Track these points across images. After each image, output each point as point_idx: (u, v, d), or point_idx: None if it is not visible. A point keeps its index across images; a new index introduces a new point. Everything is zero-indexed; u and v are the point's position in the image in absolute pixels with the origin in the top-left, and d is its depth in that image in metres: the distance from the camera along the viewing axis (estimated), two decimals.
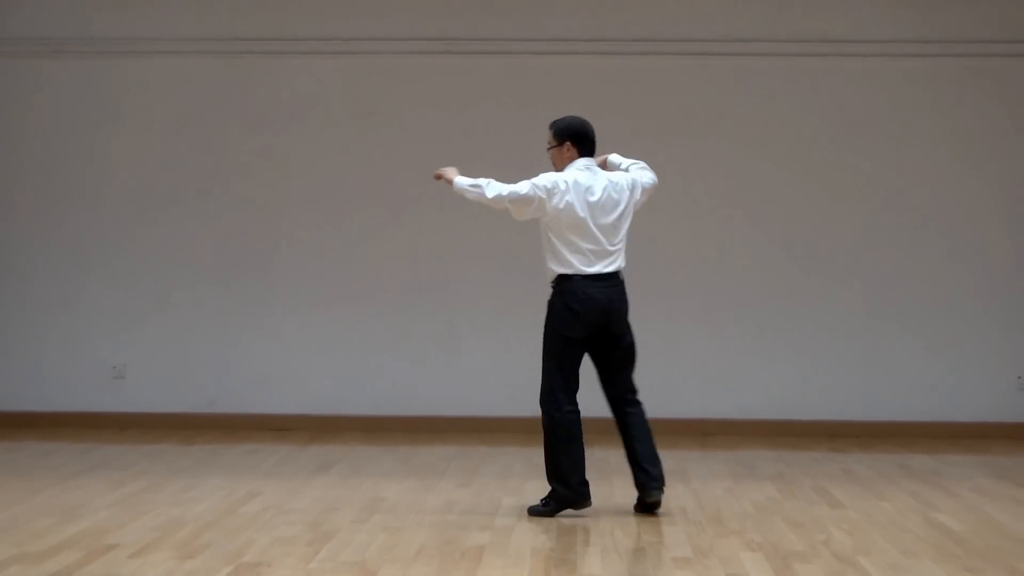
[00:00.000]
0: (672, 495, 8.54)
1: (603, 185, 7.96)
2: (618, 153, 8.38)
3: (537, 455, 9.74)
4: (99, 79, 12.13)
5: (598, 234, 7.89)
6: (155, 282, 12.07)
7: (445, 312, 11.97)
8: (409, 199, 11.96)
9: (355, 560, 6.64)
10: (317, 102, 12.09)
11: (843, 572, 6.45)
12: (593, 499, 8.02)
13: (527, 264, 11.67)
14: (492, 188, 7.94)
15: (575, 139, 8.07)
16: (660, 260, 11.56)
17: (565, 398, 7.93)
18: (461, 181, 8.04)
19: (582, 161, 8.04)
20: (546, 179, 7.93)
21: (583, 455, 7.97)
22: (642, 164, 8.29)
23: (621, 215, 7.99)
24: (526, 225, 11.67)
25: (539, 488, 8.54)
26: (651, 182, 8.21)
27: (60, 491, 8.66)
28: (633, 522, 7.71)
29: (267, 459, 10.21)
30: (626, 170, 8.22)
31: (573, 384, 7.98)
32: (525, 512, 7.95)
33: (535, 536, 7.31)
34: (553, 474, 7.97)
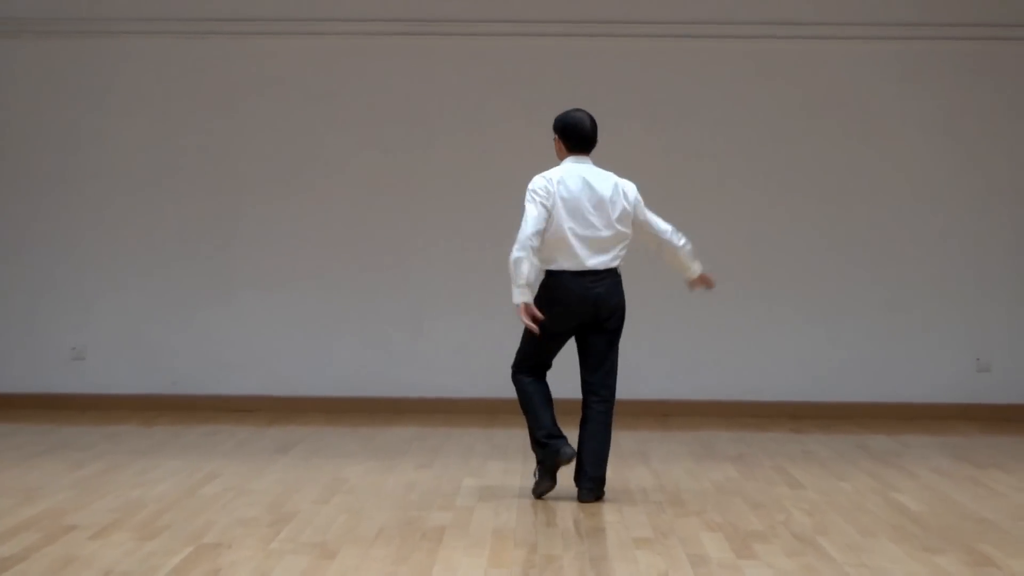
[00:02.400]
0: (632, 476, 8.58)
1: (582, 180, 7.84)
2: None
3: (498, 436, 9.80)
4: (56, 59, 12.05)
5: (583, 230, 7.84)
6: (115, 263, 12.01)
7: (407, 293, 11.95)
8: (371, 180, 11.95)
9: (316, 541, 6.64)
10: (278, 82, 12.05)
11: (802, 552, 6.48)
12: (557, 478, 8.04)
13: (490, 246, 11.72)
14: (517, 254, 7.67)
15: (561, 133, 7.98)
16: None
17: (533, 370, 7.98)
18: (516, 294, 7.68)
19: (571, 159, 7.94)
20: (537, 187, 7.79)
21: (548, 413, 7.88)
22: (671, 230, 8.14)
23: (603, 213, 7.85)
24: (490, 209, 11.72)
25: (501, 469, 8.60)
26: (658, 224, 8.06)
27: (19, 472, 8.62)
28: (594, 502, 7.71)
29: (227, 440, 10.18)
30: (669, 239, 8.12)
31: (547, 365, 8.03)
32: (486, 493, 7.96)
33: (496, 516, 7.32)
34: (530, 441, 7.96)
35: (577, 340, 7.97)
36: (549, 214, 7.73)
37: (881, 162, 11.93)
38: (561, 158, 8.00)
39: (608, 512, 7.46)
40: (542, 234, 7.70)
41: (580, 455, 7.84)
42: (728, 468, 9.04)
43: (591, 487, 7.79)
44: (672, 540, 6.74)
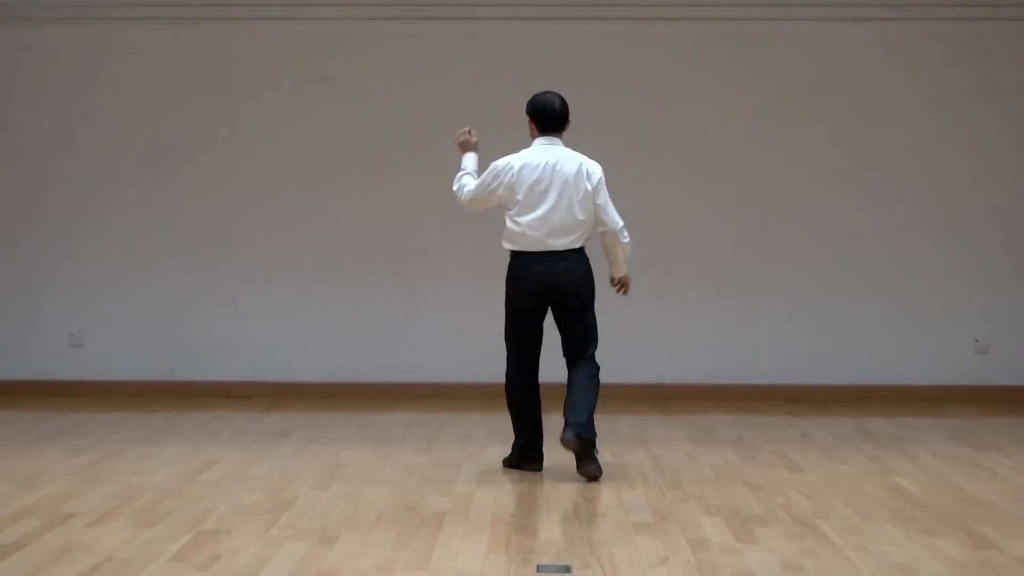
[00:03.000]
0: (632, 460, 8.57)
1: (545, 163, 8.06)
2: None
3: (496, 420, 9.80)
4: (51, 46, 12.00)
5: (544, 212, 8.03)
6: (113, 249, 11.99)
7: (404, 278, 11.92)
8: (367, 166, 11.92)
9: (315, 527, 6.64)
10: (273, 69, 12.00)
11: (802, 535, 6.48)
12: (551, 464, 8.15)
13: (486, 230, 11.67)
14: (462, 189, 8.38)
15: (531, 115, 8.20)
16: None
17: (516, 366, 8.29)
18: (466, 162, 8.49)
19: (540, 140, 8.17)
20: (494, 168, 8.17)
21: (527, 427, 8.24)
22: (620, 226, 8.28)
23: (566, 195, 8.03)
24: None
25: (499, 453, 8.61)
26: (611, 215, 8.18)
27: (18, 459, 8.62)
28: (593, 487, 7.72)
29: (226, 426, 10.17)
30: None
31: (529, 355, 8.25)
32: (484, 478, 7.99)
33: (495, 502, 7.32)
34: None
35: (555, 320, 8.21)
36: (496, 193, 8.15)
37: (877, 144, 11.90)
38: (532, 138, 8.21)
39: (607, 496, 7.47)
40: (474, 204, 8.31)
41: (564, 410, 8.01)
42: (727, 452, 9.04)
43: (571, 431, 7.84)
44: (672, 524, 6.75)
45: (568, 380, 8.10)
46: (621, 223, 8.20)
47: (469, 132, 8.51)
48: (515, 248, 8.10)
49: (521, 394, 8.22)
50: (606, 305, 10.71)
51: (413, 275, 11.90)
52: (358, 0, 11.86)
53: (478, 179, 8.25)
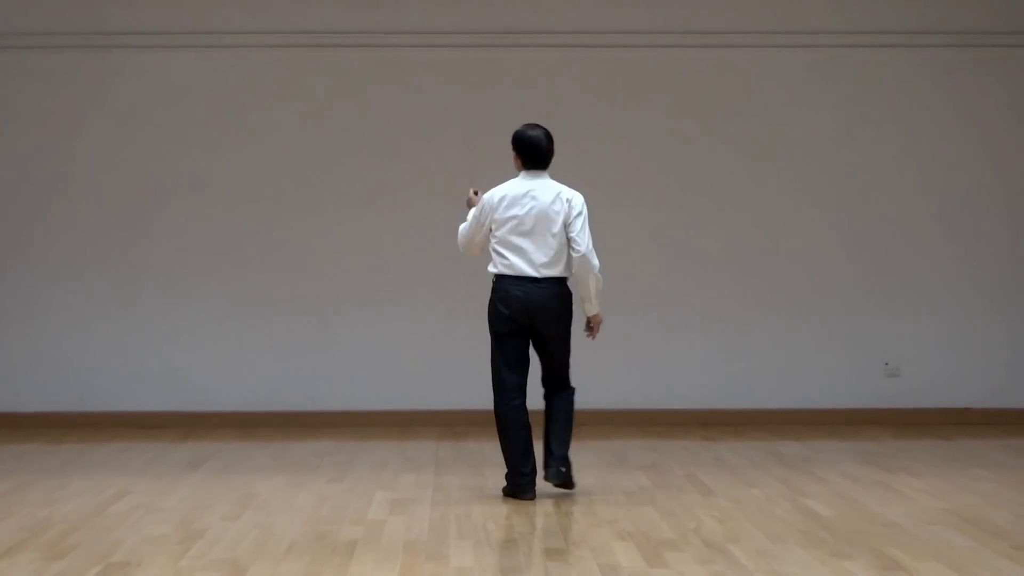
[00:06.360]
0: (545, 486, 8.55)
1: (526, 193, 8.23)
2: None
3: (411, 448, 9.78)
4: None
5: (523, 242, 8.20)
6: (21, 278, 11.84)
7: (316, 306, 11.86)
8: (278, 194, 11.87)
9: (226, 557, 6.60)
10: (185, 96, 11.93)
11: (713, 559, 6.51)
12: (467, 492, 8.19)
13: (402, 258, 11.69)
14: (460, 235, 8.55)
15: (517, 149, 8.36)
16: None
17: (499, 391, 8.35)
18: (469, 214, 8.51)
19: (524, 174, 8.32)
20: (482, 201, 8.31)
21: (515, 449, 8.23)
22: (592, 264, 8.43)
23: (545, 226, 8.20)
24: (395, 220, 11.69)
25: (412, 481, 8.63)
26: (577, 240, 8.27)
27: None
28: (506, 513, 7.74)
29: (137, 457, 10.09)
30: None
31: (510, 378, 8.31)
32: (397, 507, 7.96)
33: (408, 530, 7.30)
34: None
35: (535, 348, 8.39)
36: (485, 226, 8.26)
37: (784, 170, 12.00)
38: (517, 170, 8.36)
39: (520, 523, 7.47)
40: (473, 244, 8.39)
41: (544, 440, 8.30)
42: (640, 477, 9.06)
43: (555, 465, 8.23)
44: (584, 550, 6.76)
45: (546, 408, 8.38)
46: (590, 245, 8.31)
47: (475, 193, 8.52)
48: (496, 271, 8.24)
49: (502, 419, 8.27)
50: None
51: (325, 303, 11.85)
52: (273, 28, 11.83)
53: (461, 235, 8.46)
